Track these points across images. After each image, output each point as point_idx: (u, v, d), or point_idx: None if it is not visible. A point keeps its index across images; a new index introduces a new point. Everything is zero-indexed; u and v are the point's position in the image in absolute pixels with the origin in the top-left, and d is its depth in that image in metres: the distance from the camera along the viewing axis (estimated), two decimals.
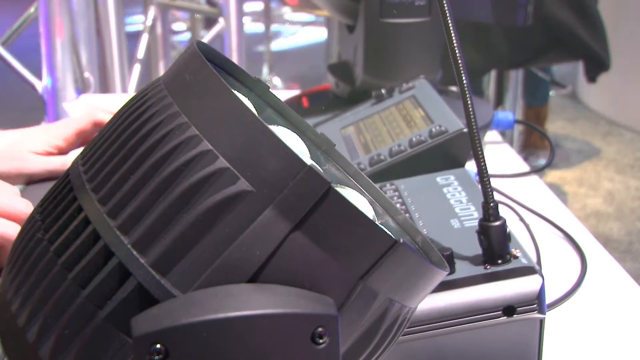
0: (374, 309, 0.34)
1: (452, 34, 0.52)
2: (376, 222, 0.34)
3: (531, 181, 1.00)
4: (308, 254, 0.32)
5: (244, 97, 0.40)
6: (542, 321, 0.54)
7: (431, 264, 0.36)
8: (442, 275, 0.37)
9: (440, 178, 0.71)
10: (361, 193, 0.43)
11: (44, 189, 0.40)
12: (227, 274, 0.32)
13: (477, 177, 0.54)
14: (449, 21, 0.52)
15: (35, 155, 0.81)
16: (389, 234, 0.33)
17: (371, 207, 0.42)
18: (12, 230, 0.57)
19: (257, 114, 0.34)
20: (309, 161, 0.39)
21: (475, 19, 1.18)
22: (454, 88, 1.08)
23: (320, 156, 0.43)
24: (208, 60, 0.35)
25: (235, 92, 0.34)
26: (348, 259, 0.33)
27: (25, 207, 0.60)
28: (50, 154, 0.82)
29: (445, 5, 0.52)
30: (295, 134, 0.41)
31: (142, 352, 0.30)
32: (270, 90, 0.44)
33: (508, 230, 0.55)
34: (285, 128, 0.41)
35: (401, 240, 0.33)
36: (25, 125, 0.88)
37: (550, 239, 0.83)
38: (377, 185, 0.45)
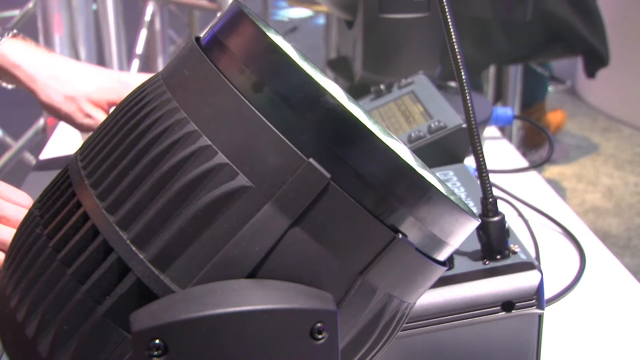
0: (372, 304, 0.34)
1: (451, 30, 0.52)
2: (420, 169, 0.34)
3: (530, 177, 1.00)
4: (307, 249, 0.32)
5: (289, 43, 0.39)
6: (540, 316, 0.54)
7: (430, 259, 0.36)
8: (441, 271, 0.37)
9: (439, 173, 0.71)
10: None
11: (43, 183, 0.40)
12: (226, 269, 0.32)
13: (476, 173, 0.54)
14: (448, 17, 0.52)
15: None
16: (387, 229, 0.33)
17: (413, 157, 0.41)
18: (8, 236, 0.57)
19: (301, 58, 0.34)
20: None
21: (475, 15, 1.18)
22: (452, 83, 1.08)
23: (360, 108, 0.42)
24: (248, 18, 0.34)
25: (279, 36, 0.34)
26: (347, 254, 0.33)
27: (17, 213, 0.61)
28: None
29: (444, 0, 0.52)
30: (336, 85, 0.40)
31: (141, 348, 0.30)
32: None
33: (507, 225, 0.55)
34: (328, 80, 0.40)
35: (399, 236, 0.33)
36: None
37: (549, 235, 0.83)
38: None
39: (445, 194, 0.34)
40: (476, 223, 0.37)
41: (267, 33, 0.34)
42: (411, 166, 0.33)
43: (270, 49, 0.33)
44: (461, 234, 0.37)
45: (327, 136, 0.32)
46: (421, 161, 0.38)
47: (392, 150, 0.33)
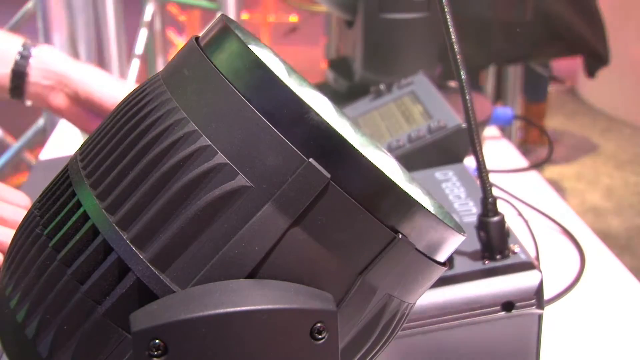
0: (372, 304, 0.34)
1: (451, 29, 0.52)
2: (405, 184, 0.34)
3: (530, 176, 1.00)
4: (307, 249, 0.32)
5: (276, 57, 0.40)
6: (540, 316, 0.54)
7: (430, 259, 0.36)
8: (441, 271, 0.37)
9: (439, 173, 0.71)
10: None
11: (43, 183, 0.40)
12: (226, 269, 0.32)
13: (476, 173, 0.54)
14: (448, 16, 0.52)
15: None
16: (387, 229, 0.33)
17: (400, 169, 0.41)
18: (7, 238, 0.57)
19: (288, 71, 0.34)
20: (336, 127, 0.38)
21: (474, 15, 1.18)
22: (452, 83, 1.08)
23: (347, 121, 0.42)
24: (234, 34, 0.35)
25: (267, 50, 0.34)
26: (347, 254, 0.33)
27: (14, 214, 0.61)
28: None
29: (444, 0, 0.52)
30: (326, 98, 0.40)
31: (141, 348, 0.30)
32: None
33: (507, 225, 0.55)
34: (317, 92, 0.41)
35: (399, 236, 0.33)
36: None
37: (549, 235, 0.83)
38: None
39: (432, 207, 0.34)
40: (462, 238, 0.37)
41: (252, 48, 0.33)
42: (395, 182, 0.33)
43: (255, 65, 0.33)
44: (447, 248, 0.37)
45: (313, 152, 0.32)
46: (409, 174, 0.38)
47: (376, 166, 0.32)
